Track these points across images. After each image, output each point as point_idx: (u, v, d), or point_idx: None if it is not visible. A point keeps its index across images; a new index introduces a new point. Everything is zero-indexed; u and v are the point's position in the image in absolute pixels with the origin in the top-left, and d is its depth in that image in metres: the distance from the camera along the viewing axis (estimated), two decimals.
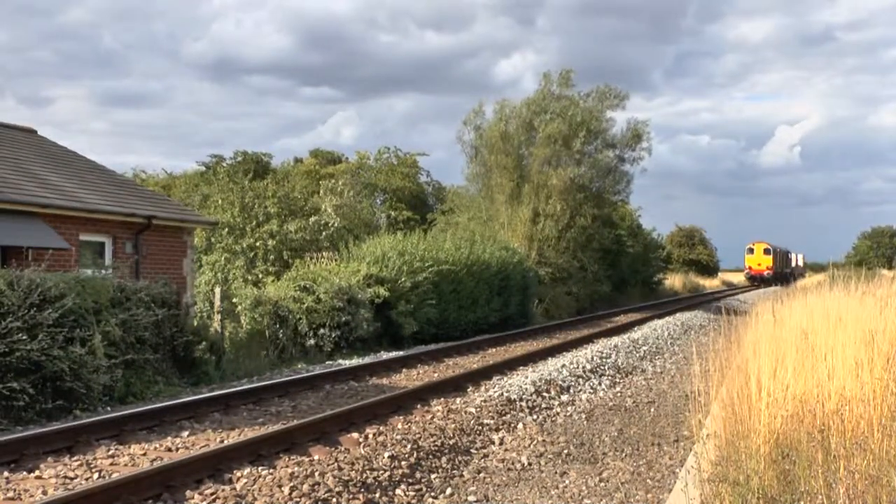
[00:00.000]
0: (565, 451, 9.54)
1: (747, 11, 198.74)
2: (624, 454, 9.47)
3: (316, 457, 8.15)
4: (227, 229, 25.79)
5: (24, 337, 10.31)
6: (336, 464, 7.87)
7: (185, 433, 9.22)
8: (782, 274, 75.85)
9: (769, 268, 72.77)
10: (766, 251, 73.56)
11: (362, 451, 8.41)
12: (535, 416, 11.26)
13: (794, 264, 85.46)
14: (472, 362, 16.35)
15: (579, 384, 13.83)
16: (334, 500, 7.07)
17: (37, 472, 7.45)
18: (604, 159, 33.97)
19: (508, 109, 33.38)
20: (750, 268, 74.13)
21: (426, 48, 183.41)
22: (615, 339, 20.31)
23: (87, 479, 7.30)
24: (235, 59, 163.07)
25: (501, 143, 32.11)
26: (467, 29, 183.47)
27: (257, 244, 25.24)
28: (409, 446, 8.79)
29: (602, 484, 8.25)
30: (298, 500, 6.90)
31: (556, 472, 8.66)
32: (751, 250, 74.30)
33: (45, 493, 6.85)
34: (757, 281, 72.61)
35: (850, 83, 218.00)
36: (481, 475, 8.53)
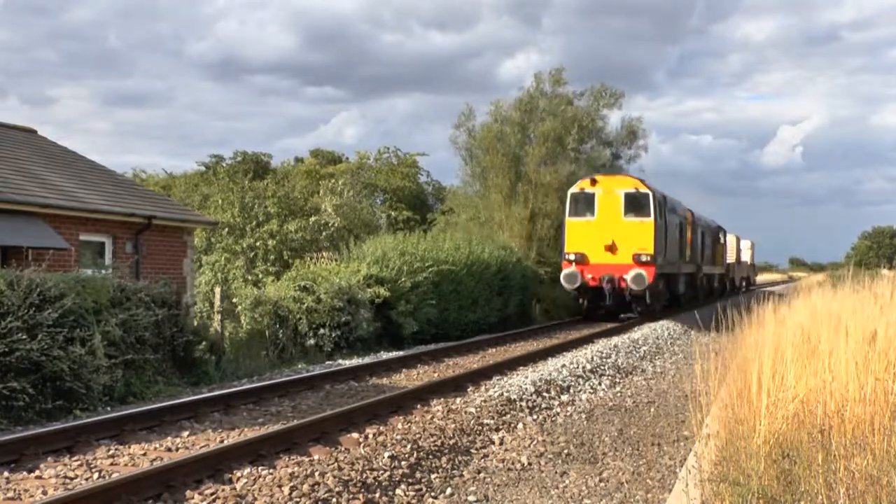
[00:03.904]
0: (565, 451, 9.54)
1: (752, 11, 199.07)
2: (624, 454, 9.47)
3: (316, 457, 8.15)
4: (227, 229, 25.80)
5: (24, 337, 10.31)
6: (336, 464, 7.86)
7: (185, 433, 9.22)
8: (697, 280, 32.67)
9: (642, 260, 24.05)
10: (634, 204, 24.55)
11: (362, 451, 8.41)
12: (535, 416, 11.25)
13: (730, 258, 43.53)
14: (472, 362, 16.35)
15: (579, 384, 13.83)
16: (334, 500, 7.06)
17: (37, 472, 7.45)
18: (599, 157, 34.04)
19: (503, 110, 33.50)
20: (581, 261, 24.50)
21: (430, 48, 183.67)
22: (615, 339, 20.30)
23: (87, 479, 7.30)
24: (239, 59, 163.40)
25: (496, 144, 32.21)
26: (472, 29, 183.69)
27: (257, 244, 25.25)
28: (409, 446, 8.78)
29: (602, 484, 8.25)
30: (298, 500, 6.89)
31: (556, 472, 8.66)
32: (585, 201, 24.91)
33: (45, 493, 6.85)
34: (600, 303, 24.96)
35: (853, 83, 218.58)
36: (481, 475, 8.52)
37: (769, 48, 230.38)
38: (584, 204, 24.92)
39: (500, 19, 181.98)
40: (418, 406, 10.86)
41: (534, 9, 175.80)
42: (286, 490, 7.04)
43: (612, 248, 24.29)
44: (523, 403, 11.69)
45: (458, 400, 11.43)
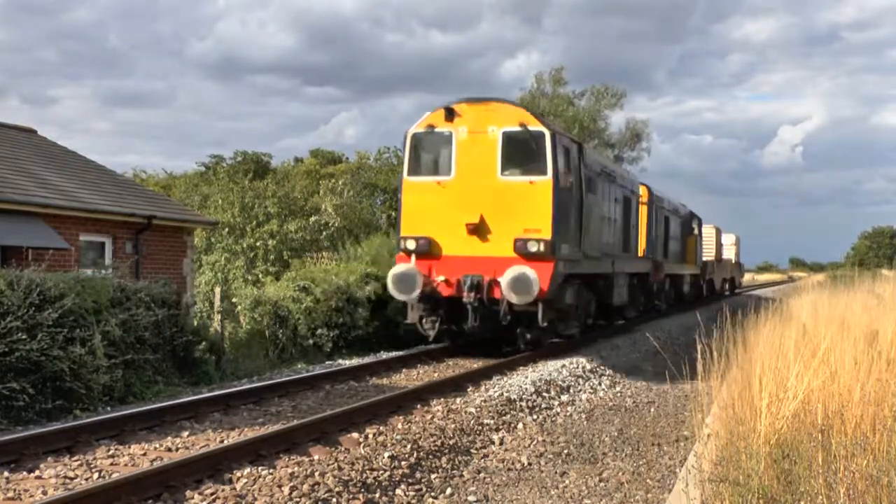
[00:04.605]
0: (565, 451, 9.54)
1: (753, 11, 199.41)
2: (624, 454, 9.47)
3: (316, 457, 8.15)
4: (227, 229, 25.82)
5: (24, 337, 10.31)
6: (336, 464, 7.86)
7: (185, 433, 9.21)
8: (652, 284, 23.63)
9: (531, 250, 14.05)
10: (519, 152, 14.51)
11: (362, 451, 8.40)
12: (535, 416, 11.25)
13: (708, 254, 36.51)
14: (473, 362, 16.33)
15: (579, 384, 13.83)
16: (334, 500, 7.06)
17: (37, 472, 7.45)
18: None
19: None
20: (427, 252, 14.75)
21: (431, 48, 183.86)
22: (615, 339, 20.29)
23: (87, 479, 7.29)
24: (240, 59, 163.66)
25: None
26: (473, 29, 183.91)
27: (257, 244, 25.26)
28: (409, 446, 8.78)
29: (602, 484, 8.24)
30: (298, 500, 6.89)
31: (556, 472, 8.66)
32: (435, 148, 15.24)
33: (45, 493, 6.84)
34: (464, 326, 14.83)
35: (854, 83, 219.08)
36: (481, 475, 8.52)
37: (770, 48, 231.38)
38: (435, 152, 15.25)
39: (501, 19, 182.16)
40: (418, 406, 10.86)
41: (534, 9, 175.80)
42: (286, 490, 7.04)
43: (479, 230, 14.46)
44: (523, 403, 11.69)
45: (458, 400, 11.43)
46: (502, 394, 11.94)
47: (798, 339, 7.78)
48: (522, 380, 13.21)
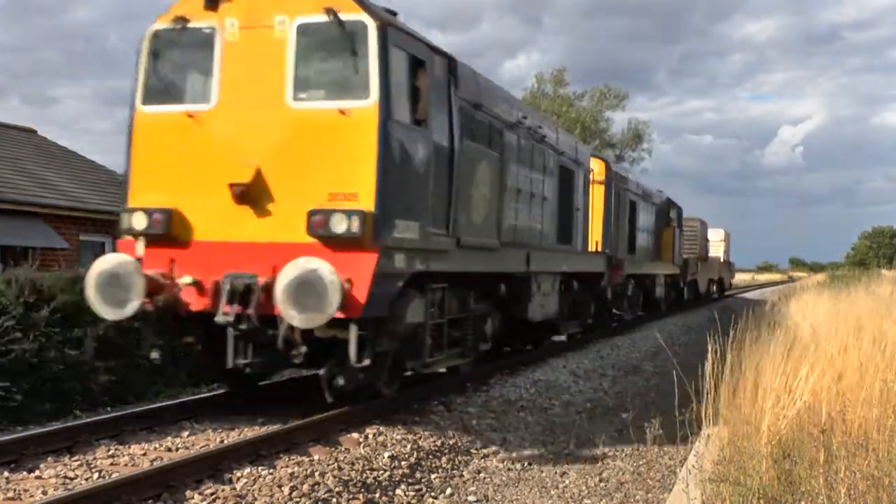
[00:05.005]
0: (565, 451, 9.53)
1: (754, 11, 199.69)
2: (624, 454, 9.46)
3: (316, 457, 8.13)
4: None
5: (21, 336, 10.29)
6: (336, 464, 7.85)
7: (185, 433, 9.19)
8: (606, 288, 18.23)
9: (336, 232, 7.90)
10: (324, 56, 8.48)
11: (362, 451, 8.39)
12: (535, 416, 11.24)
13: (689, 251, 31.87)
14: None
15: (579, 384, 13.82)
16: (334, 500, 7.05)
17: (37, 472, 7.43)
18: None
19: None
20: (165, 234, 8.58)
21: None
22: (615, 339, 20.29)
23: (87, 479, 7.28)
24: None
25: None
26: (474, 28, 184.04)
27: None
28: (409, 446, 8.77)
29: (602, 484, 8.24)
30: (298, 499, 6.88)
31: (556, 472, 8.65)
32: (186, 57, 9.07)
33: (45, 493, 6.83)
34: (233, 363, 8.53)
35: (854, 83, 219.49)
36: (481, 475, 8.51)
37: (770, 48, 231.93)
38: (186, 64, 9.32)
39: (501, 20, 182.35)
40: (419, 406, 10.84)
41: (535, 9, 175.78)
42: (286, 490, 7.03)
43: (253, 196, 8.49)
44: (523, 403, 11.68)
45: (458, 400, 11.42)
46: (502, 394, 11.93)
47: (800, 340, 7.77)
48: (523, 380, 13.21)
